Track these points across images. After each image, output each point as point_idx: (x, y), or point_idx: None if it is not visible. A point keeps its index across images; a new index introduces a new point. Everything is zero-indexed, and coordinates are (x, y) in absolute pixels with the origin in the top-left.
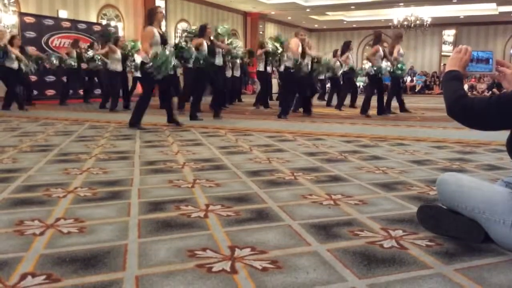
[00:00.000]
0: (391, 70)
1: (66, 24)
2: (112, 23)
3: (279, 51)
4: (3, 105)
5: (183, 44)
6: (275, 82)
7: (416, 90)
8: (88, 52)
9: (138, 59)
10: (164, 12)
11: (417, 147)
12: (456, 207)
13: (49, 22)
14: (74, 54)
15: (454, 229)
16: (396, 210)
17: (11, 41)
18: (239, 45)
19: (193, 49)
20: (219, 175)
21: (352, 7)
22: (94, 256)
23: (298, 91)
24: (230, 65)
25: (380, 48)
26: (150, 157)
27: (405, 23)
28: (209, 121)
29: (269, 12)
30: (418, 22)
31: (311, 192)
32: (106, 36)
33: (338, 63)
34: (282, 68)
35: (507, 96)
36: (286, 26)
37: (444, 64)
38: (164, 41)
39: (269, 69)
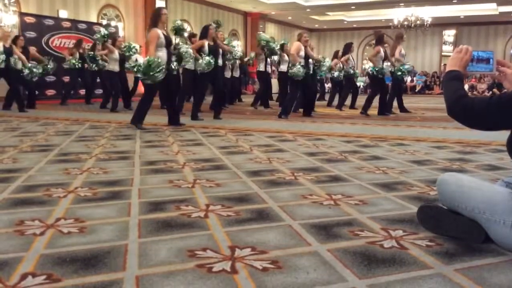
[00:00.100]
0: (392, 70)
1: (67, 24)
2: (113, 23)
3: (273, 45)
4: (4, 105)
5: (181, 45)
6: (275, 82)
7: (416, 90)
8: (90, 53)
9: (140, 59)
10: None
11: (417, 147)
12: (456, 207)
13: (50, 22)
14: (77, 54)
15: (454, 229)
16: (396, 210)
17: (14, 41)
18: (237, 45)
19: (191, 50)
20: (219, 175)
21: (353, 7)
22: (94, 256)
23: (300, 90)
24: (230, 66)
25: (381, 49)
26: (150, 157)
27: (406, 23)
28: (209, 121)
29: (269, 12)
30: (418, 22)
31: (312, 192)
32: (104, 36)
33: (339, 65)
34: (281, 69)
35: (508, 96)
36: (286, 26)
37: (445, 64)
38: (169, 42)
39: (269, 69)
